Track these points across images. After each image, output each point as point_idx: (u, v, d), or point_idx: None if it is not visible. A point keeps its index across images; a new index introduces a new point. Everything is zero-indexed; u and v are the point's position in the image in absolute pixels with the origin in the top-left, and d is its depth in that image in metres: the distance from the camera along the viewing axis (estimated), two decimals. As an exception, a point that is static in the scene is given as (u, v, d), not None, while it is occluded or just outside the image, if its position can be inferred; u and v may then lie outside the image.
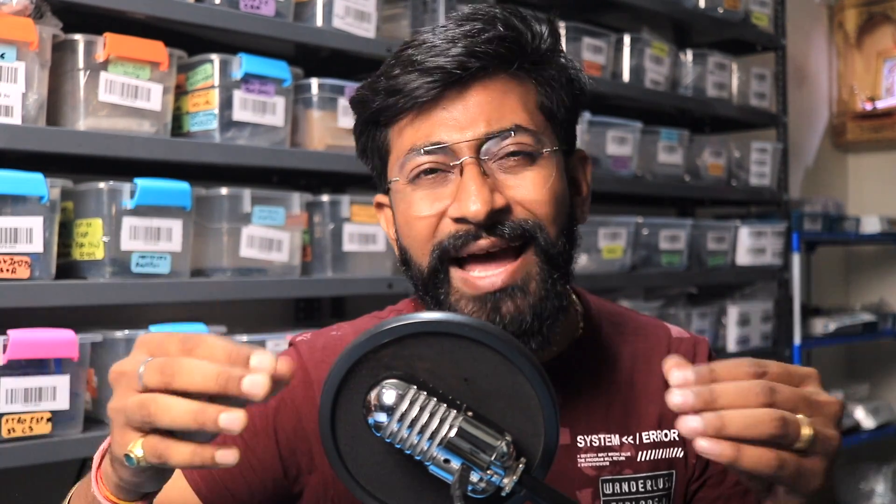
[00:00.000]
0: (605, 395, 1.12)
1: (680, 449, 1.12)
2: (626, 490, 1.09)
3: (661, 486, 1.11)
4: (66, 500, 0.95)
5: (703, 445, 0.73)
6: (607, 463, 1.09)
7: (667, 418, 1.12)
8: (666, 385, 1.12)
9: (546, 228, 1.01)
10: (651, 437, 1.11)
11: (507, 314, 0.99)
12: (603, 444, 1.09)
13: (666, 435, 1.12)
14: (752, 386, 0.75)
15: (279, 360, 0.73)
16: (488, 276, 1.00)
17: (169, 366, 0.73)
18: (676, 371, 0.75)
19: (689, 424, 0.73)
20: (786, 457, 0.74)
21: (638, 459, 1.10)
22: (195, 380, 0.72)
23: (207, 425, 0.71)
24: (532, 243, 1.00)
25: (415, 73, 1.00)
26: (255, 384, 0.71)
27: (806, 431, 0.75)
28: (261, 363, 0.72)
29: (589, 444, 1.09)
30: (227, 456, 0.72)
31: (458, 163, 1.00)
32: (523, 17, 1.04)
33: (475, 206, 0.97)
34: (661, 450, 1.11)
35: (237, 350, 0.73)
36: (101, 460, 0.86)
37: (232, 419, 0.71)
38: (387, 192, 1.10)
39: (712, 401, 0.74)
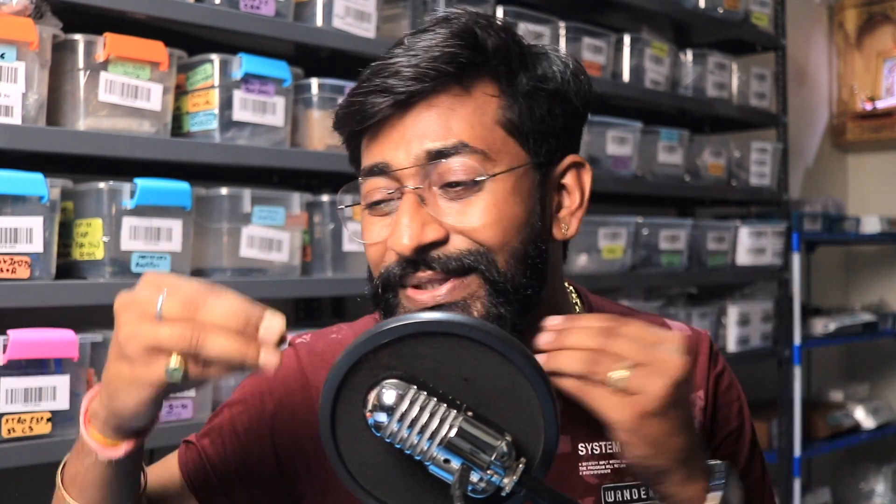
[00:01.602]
0: None
1: None
2: (629, 497, 1.08)
3: None
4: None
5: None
6: (609, 470, 1.08)
7: None
8: None
9: (493, 257, 0.96)
10: None
11: None
12: (604, 451, 1.08)
13: None
14: (591, 328, 0.90)
15: (283, 322, 0.80)
16: (430, 292, 0.96)
17: (197, 297, 0.79)
18: (550, 318, 0.93)
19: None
20: (594, 389, 0.88)
21: None
22: (219, 313, 0.78)
23: (249, 360, 0.77)
24: (474, 272, 0.96)
25: (369, 93, 0.98)
26: (271, 329, 0.79)
27: (615, 374, 0.86)
28: (272, 320, 0.79)
29: (590, 452, 1.07)
30: (270, 361, 0.78)
31: (399, 189, 0.98)
32: (488, 26, 0.99)
33: (402, 241, 0.95)
34: None
35: (253, 306, 0.79)
36: (90, 404, 0.88)
37: (270, 360, 0.78)
38: None
39: (561, 342, 0.90)
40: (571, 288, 1.16)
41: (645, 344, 0.88)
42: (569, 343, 0.89)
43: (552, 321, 0.92)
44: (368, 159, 1.00)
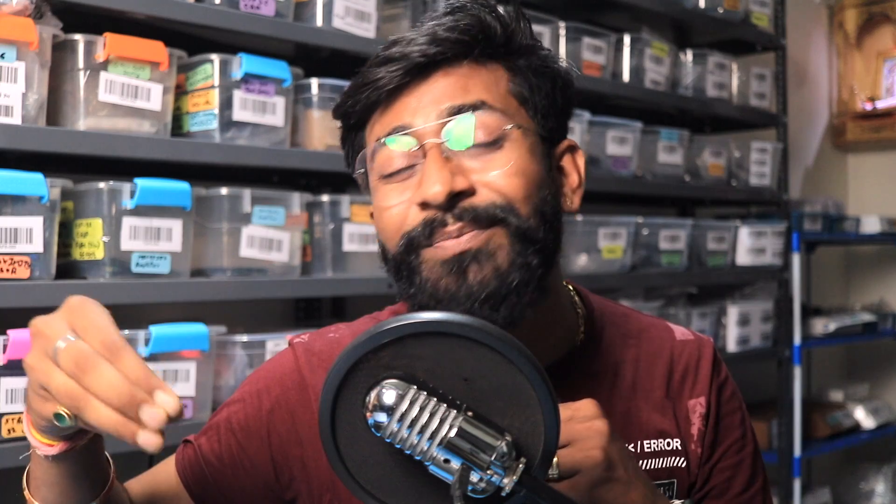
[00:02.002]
0: (606, 401, 1.08)
1: (682, 458, 1.10)
2: None
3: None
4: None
5: None
6: None
7: (668, 426, 1.11)
8: (668, 392, 1.12)
9: (517, 208, 0.98)
10: (653, 445, 1.09)
11: (474, 279, 0.96)
12: None
13: (668, 444, 1.10)
14: None
15: (176, 403, 0.74)
16: (453, 243, 0.97)
17: (86, 360, 0.74)
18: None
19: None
20: None
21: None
22: (103, 386, 0.72)
23: (127, 437, 0.73)
24: (502, 224, 0.97)
25: (380, 65, 1.00)
26: (154, 416, 0.72)
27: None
28: (163, 400, 0.73)
29: None
30: (150, 442, 0.72)
31: (419, 147, 0.98)
32: (493, 9, 1.04)
33: (435, 187, 0.95)
34: (662, 458, 1.09)
35: (148, 377, 0.73)
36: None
37: (149, 441, 0.72)
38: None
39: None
40: (571, 287, 1.16)
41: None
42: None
43: None
44: (383, 128, 1.01)
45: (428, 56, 0.98)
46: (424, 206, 0.97)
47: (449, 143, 0.98)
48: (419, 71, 0.99)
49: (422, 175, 0.98)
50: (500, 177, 0.98)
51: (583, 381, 1.10)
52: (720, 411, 1.15)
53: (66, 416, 0.76)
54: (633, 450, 1.09)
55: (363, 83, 1.01)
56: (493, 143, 0.99)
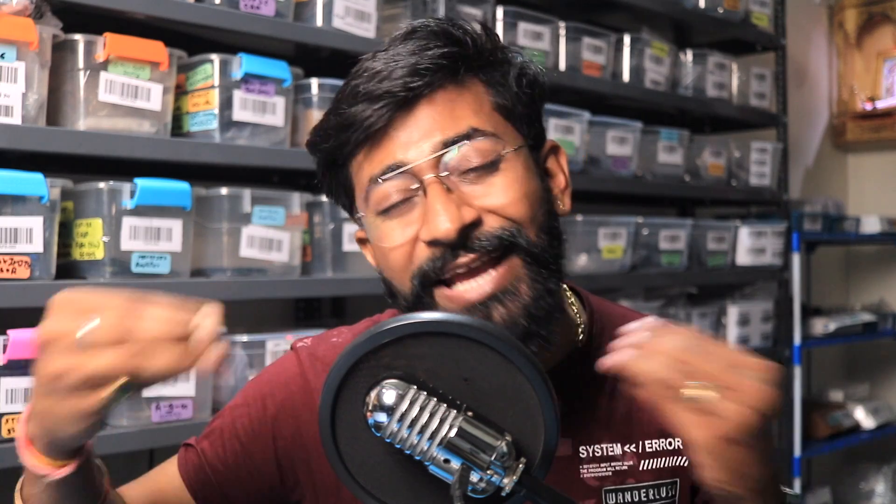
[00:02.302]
0: (606, 403, 1.10)
1: (684, 457, 1.11)
2: (630, 500, 1.08)
3: (664, 495, 1.09)
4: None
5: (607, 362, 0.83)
6: (610, 473, 1.08)
7: (668, 426, 1.11)
8: None
9: (525, 230, 0.98)
10: (654, 445, 1.10)
11: (500, 320, 0.96)
12: (605, 453, 1.08)
13: (670, 443, 1.10)
14: (678, 343, 0.82)
15: (216, 308, 0.78)
16: (475, 288, 0.97)
17: (130, 311, 0.75)
18: (628, 325, 0.85)
19: (609, 361, 0.83)
20: (675, 403, 0.81)
21: (641, 468, 1.09)
22: (158, 326, 0.75)
23: (189, 368, 0.75)
24: (514, 249, 0.98)
25: (361, 103, 0.98)
26: (210, 328, 0.76)
27: (700, 392, 0.80)
28: (206, 312, 0.77)
29: (591, 455, 1.07)
30: (214, 356, 0.75)
31: (419, 184, 0.97)
32: (459, 25, 1.02)
33: (444, 225, 0.95)
34: (664, 458, 1.10)
35: (183, 302, 0.77)
36: (27, 428, 0.83)
37: (209, 362, 0.75)
38: (363, 227, 1.08)
39: (642, 345, 0.82)
40: (568, 288, 1.16)
41: (732, 366, 0.81)
42: (654, 347, 0.82)
43: (632, 325, 0.85)
44: (375, 167, 0.99)
45: (412, 90, 0.97)
46: (433, 242, 0.97)
47: (448, 175, 0.97)
48: (404, 105, 0.97)
49: (425, 211, 0.97)
50: (503, 202, 0.98)
51: (584, 383, 1.10)
52: None
53: (126, 388, 0.76)
54: (634, 450, 1.09)
55: (346, 123, 0.99)
56: (491, 168, 0.98)
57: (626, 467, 1.08)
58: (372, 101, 0.97)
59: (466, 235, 0.96)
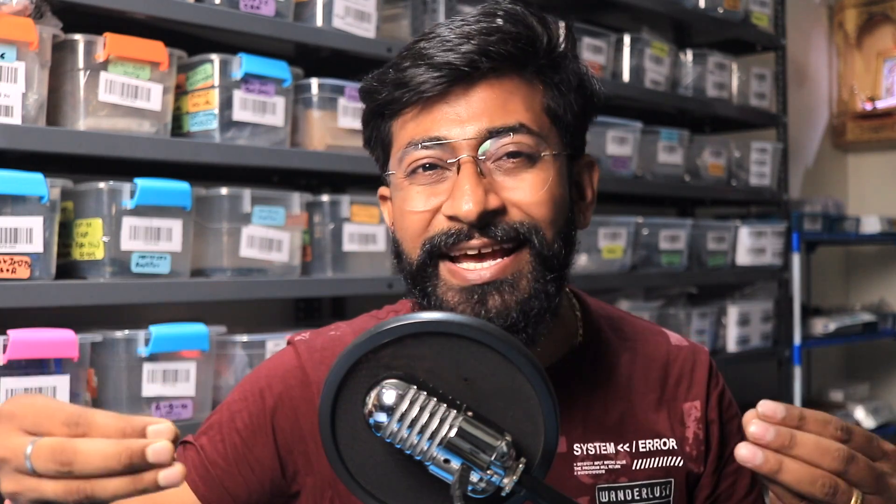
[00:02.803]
0: (601, 402, 1.11)
1: (678, 458, 1.11)
2: (623, 498, 1.08)
3: (657, 494, 1.10)
4: None
5: (745, 454, 0.77)
6: (603, 471, 1.08)
7: (663, 427, 1.12)
8: (663, 394, 1.13)
9: (542, 231, 0.99)
10: (647, 445, 1.10)
11: (493, 308, 0.97)
12: (599, 452, 1.09)
13: (664, 443, 1.11)
14: (833, 449, 0.78)
15: (170, 426, 0.71)
16: (477, 270, 0.98)
17: (62, 451, 0.70)
18: (767, 403, 0.78)
19: (748, 454, 0.77)
20: None
21: (634, 468, 1.09)
22: (96, 463, 0.69)
23: (149, 487, 0.70)
24: (526, 245, 0.99)
25: (423, 66, 0.99)
26: (160, 452, 0.69)
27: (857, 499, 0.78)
28: (157, 430, 0.70)
29: (585, 453, 1.08)
30: (172, 476, 0.70)
31: (455, 160, 0.99)
32: (542, 18, 1.03)
33: (467, 205, 0.96)
34: (657, 458, 1.11)
35: (129, 422, 0.71)
36: None
37: (172, 475, 0.70)
38: (389, 184, 1.09)
39: (789, 447, 0.77)
40: (568, 290, 1.16)
41: (875, 467, 0.80)
42: (801, 454, 0.77)
43: (768, 407, 0.78)
44: (419, 132, 1.00)
45: (477, 69, 0.98)
46: (453, 218, 0.98)
47: (484, 160, 0.98)
48: (463, 81, 0.98)
49: (453, 187, 0.98)
50: (531, 199, 0.99)
51: (579, 382, 1.11)
52: (722, 418, 1.16)
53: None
54: (627, 449, 1.10)
55: (402, 82, 1.00)
56: (527, 164, 1.00)
57: (619, 466, 1.09)
58: (433, 67, 0.98)
59: (486, 221, 0.97)
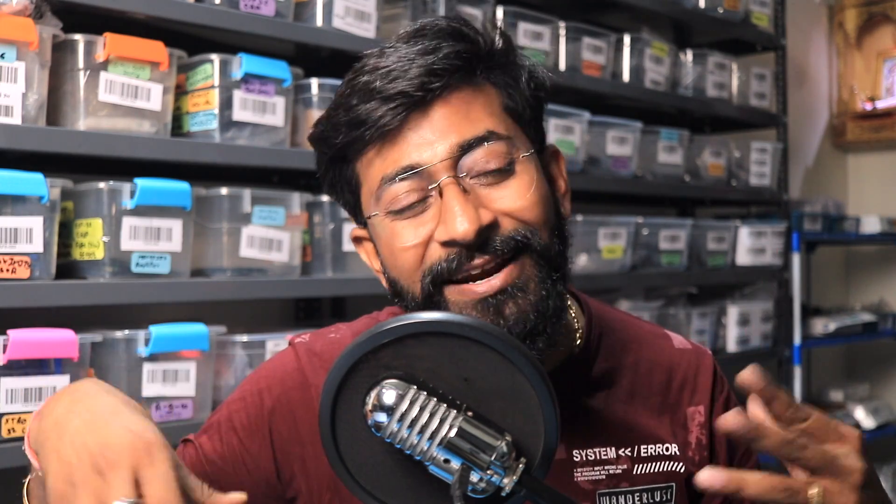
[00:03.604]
0: (603, 407, 1.10)
1: (680, 463, 1.11)
2: (624, 503, 1.08)
3: (658, 499, 1.09)
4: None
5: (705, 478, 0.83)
6: (604, 476, 1.08)
7: (664, 432, 1.11)
8: (666, 398, 1.12)
9: (539, 233, 0.98)
10: (649, 450, 1.10)
11: (511, 315, 0.96)
12: (599, 457, 1.08)
13: (667, 449, 1.10)
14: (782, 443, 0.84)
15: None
16: (486, 282, 0.97)
17: None
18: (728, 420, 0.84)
19: (709, 479, 0.83)
20: None
21: (634, 472, 1.09)
22: None
23: None
24: (525, 252, 0.98)
25: (374, 101, 0.97)
26: None
27: (813, 496, 0.84)
28: None
29: (585, 458, 1.08)
30: None
31: (435, 185, 0.97)
32: (470, 25, 1.01)
33: (463, 226, 0.94)
34: (658, 463, 1.10)
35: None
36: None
37: None
38: (364, 225, 1.07)
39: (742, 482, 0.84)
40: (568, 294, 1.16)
41: (827, 452, 0.85)
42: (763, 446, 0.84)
43: (729, 419, 0.84)
44: (388, 166, 0.99)
45: (430, 90, 0.96)
46: (450, 244, 0.96)
47: (465, 177, 0.97)
48: (419, 105, 0.97)
49: (442, 212, 0.97)
50: (520, 205, 0.98)
51: (581, 386, 1.10)
52: None
53: None
54: (629, 454, 1.09)
55: (358, 121, 0.98)
56: (506, 172, 0.98)
57: (619, 471, 1.08)
58: (386, 100, 0.96)
59: (484, 237, 0.96)
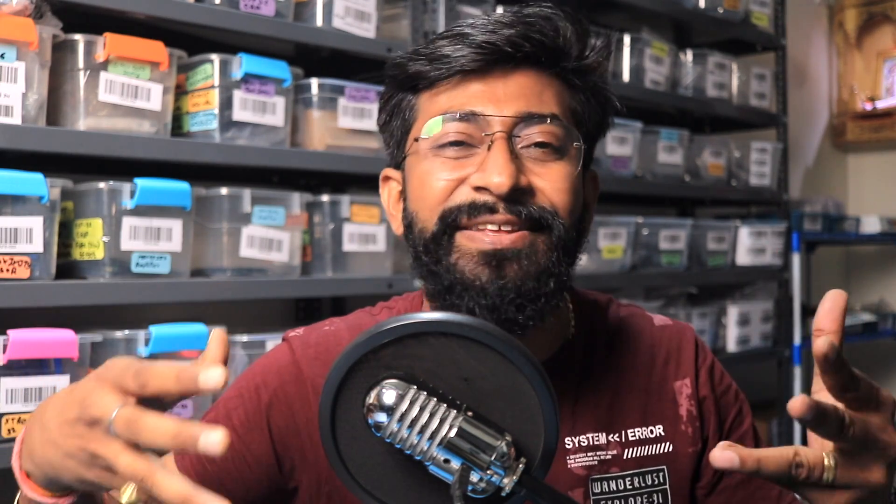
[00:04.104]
0: (591, 393, 1.12)
1: (668, 444, 1.12)
2: (615, 488, 1.09)
3: (650, 483, 1.11)
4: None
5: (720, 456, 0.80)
6: (595, 462, 1.09)
7: (651, 413, 1.13)
8: (651, 377, 1.13)
9: (563, 219, 1.01)
10: (637, 433, 1.11)
11: (510, 275, 0.99)
12: (591, 443, 1.09)
13: (651, 431, 1.12)
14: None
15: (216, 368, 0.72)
16: (497, 234, 0.99)
17: (133, 423, 0.71)
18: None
19: (726, 460, 0.80)
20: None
21: (624, 457, 1.10)
22: (157, 438, 0.71)
23: (188, 446, 0.71)
24: (545, 231, 1.00)
25: (462, 44, 1.00)
26: (211, 443, 0.70)
27: (828, 470, 0.82)
28: (210, 374, 0.71)
29: (577, 445, 1.09)
30: (212, 443, 0.70)
31: (489, 134, 1.00)
32: (579, 22, 1.05)
33: (500, 177, 0.97)
34: (646, 446, 1.11)
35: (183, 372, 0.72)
36: (20, 461, 0.82)
37: (211, 441, 0.70)
38: (398, 166, 1.10)
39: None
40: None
41: (868, 432, 0.83)
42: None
43: (718, 458, 0.81)
44: (455, 105, 1.01)
45: (519, 49, 1.00)
46: (481, 189, 0.99)
47: (517, 143, 1.00)
48: (501, 61, 1.00)
49: (484, 161, 0.99)
50: (556, 187, 1.01)
51: (571, 376, 1.12)
52: (715, 392, 1.17)
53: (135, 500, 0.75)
54: (617, 439, 1.11)
55: (438, 56, 1.01)
56: (556, 154, 1.02)
57: (610, 456, 1.10)
58: (474, 45, 1.00)
59: (515, 197, 0.99)
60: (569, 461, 1.08)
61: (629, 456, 1.11)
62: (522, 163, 1.00)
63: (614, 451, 1.10)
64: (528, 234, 1.00)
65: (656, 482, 1.11)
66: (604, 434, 1.10)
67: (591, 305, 1.19)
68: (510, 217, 0.99)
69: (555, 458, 1.05)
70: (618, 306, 1.22)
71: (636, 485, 1.10)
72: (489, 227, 0.99)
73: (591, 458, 1.09)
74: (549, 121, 1.01)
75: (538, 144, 1.01)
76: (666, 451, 1.12)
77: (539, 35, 1.00)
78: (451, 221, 1.00)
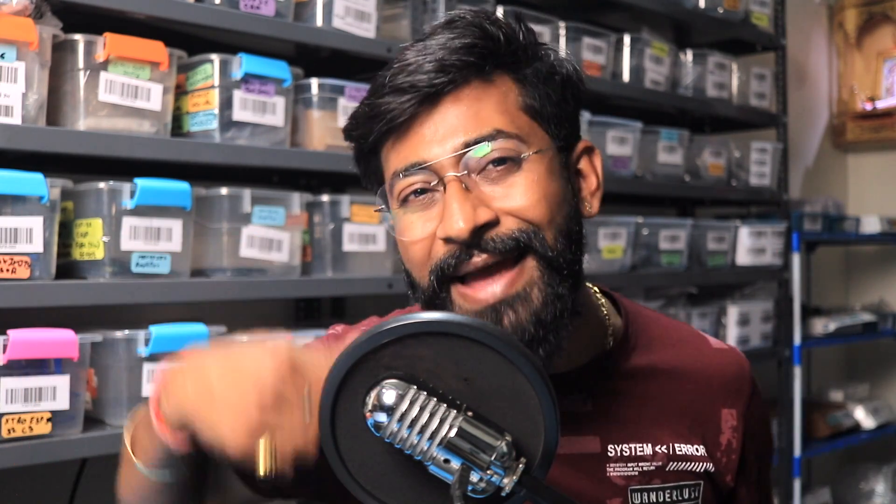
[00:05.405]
0: (637, 404, 1.11)
1: (709, 463, 1.12)
2: (654, 500, 1.08)
3: (686, 497, 1.10)
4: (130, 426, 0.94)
5: None
6: (636, 473, 1.08)
7: (695, 433, 1.12)
8: (700, 397, 1.13)
9: (542, 233, 0.98)
10: (683, 449, 1.11)
11: (509, 325, 0.97)
12: (634, 453, 1.08)
13: (697, 449, 1.11)
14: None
15: None
16: (488, 288, 0.98)
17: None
18: None
19: None
20: None
21: (667, 469, 1.09)
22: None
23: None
24: (529, 252, 0.98)
25: (389, 94, 0.98)
26: None
27: None
28: None
29: (619, 454, 1.08)
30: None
31: (438, 181, 0.98)
32: (494, 20, 1.02)
33: (458, 224, 0.95)
34: (690, 462, 1.11)
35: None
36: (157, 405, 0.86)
37: None
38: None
39: None
40: (597, 290, 1.17)
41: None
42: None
43: None
44: (399, 161, 1.00)
45: (436, 86, 0.97)
46: (448, 241, 0.98)
47: (468, 174, 0.98)
48: (429, 100, 0.98)
49: (443, 209, 0.98)
50: (522, 204, 0.98)
51: (614, 384, 1.11)
52: (761, 430, 1.19)
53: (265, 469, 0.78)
54: (663, 451, 1.10)
55: (372, 114, 1.00)
56: (512, 169, 0.98)
57: (653, 468, 1.09)
58: (398, 93, 0.98)
59: (480, 236, 0.96)
60: (608, 469, 1.07)
61: (672, 469, 1.10)
62: (482, 192, 0.97)
63: (659, 463, 1.09)
64: (516, 268, 0.97)
65: (692, 496, 1.11)
66: (649, 445, 1.09)
67: (642, 319, 1.17)
68: (486, 257, 0.97)
69: (596, 465, 1.06)
70: (675, 323, 1.22)
71: (675, 497, 1.09)
72: (478, 278, 0.98)
73: (631, 469, 1.08)
74: (490, 141, 0.97)
75: (491, 163, 0.98)
76: (707, 469, 1.12)
77: (452, 57, 0.97)
78: (441, 277, 0.99)
